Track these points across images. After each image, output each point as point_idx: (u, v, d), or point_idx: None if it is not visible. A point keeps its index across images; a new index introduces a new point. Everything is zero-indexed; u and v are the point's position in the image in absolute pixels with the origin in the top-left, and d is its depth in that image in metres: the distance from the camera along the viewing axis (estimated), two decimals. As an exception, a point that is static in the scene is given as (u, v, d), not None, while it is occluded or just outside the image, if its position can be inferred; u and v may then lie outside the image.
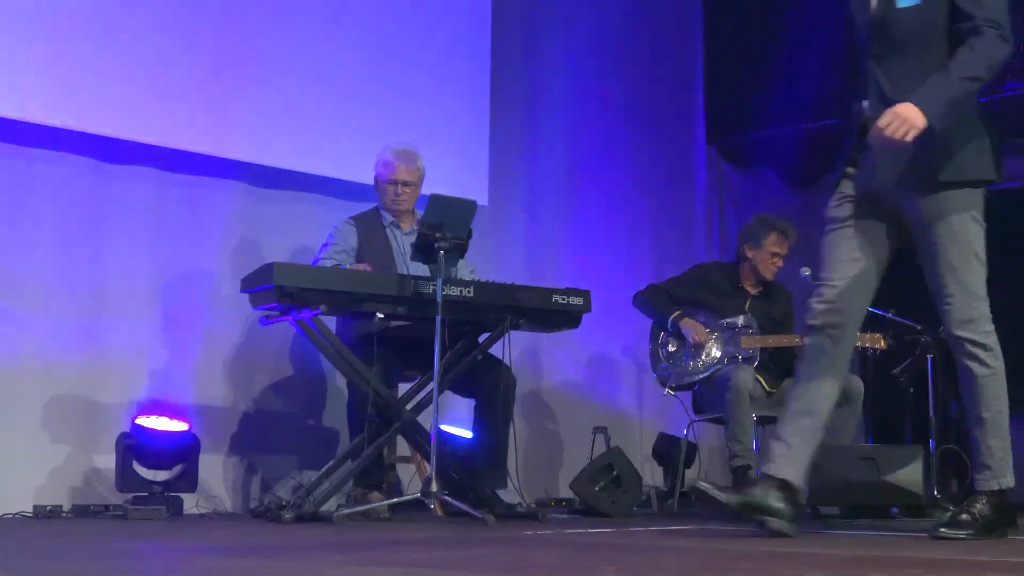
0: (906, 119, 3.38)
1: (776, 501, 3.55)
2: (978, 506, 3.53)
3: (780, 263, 5.75)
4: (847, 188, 3.66)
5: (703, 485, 3.56)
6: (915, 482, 5.06)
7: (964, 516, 3.51)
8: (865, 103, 3.57)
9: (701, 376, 5.62)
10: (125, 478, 4.62)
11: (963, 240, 3.59)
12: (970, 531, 3.47)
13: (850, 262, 3.67)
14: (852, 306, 3.68)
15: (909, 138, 3.38)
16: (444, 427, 5.24)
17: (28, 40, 4.79)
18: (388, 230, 5.17)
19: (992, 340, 3.63)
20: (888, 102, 3.45)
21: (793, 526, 3.56)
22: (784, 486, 3.57)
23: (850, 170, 3.66)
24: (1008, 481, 3.57)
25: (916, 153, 3.44)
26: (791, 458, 3.59)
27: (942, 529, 3.49)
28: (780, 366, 5.67)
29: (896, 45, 3.53)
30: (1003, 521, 3.56)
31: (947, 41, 3.50)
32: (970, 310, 3.61)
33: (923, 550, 3.19)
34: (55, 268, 4.93)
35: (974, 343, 3.60)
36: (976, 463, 3.62)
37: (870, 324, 6.00)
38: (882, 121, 3.39)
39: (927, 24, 3.51)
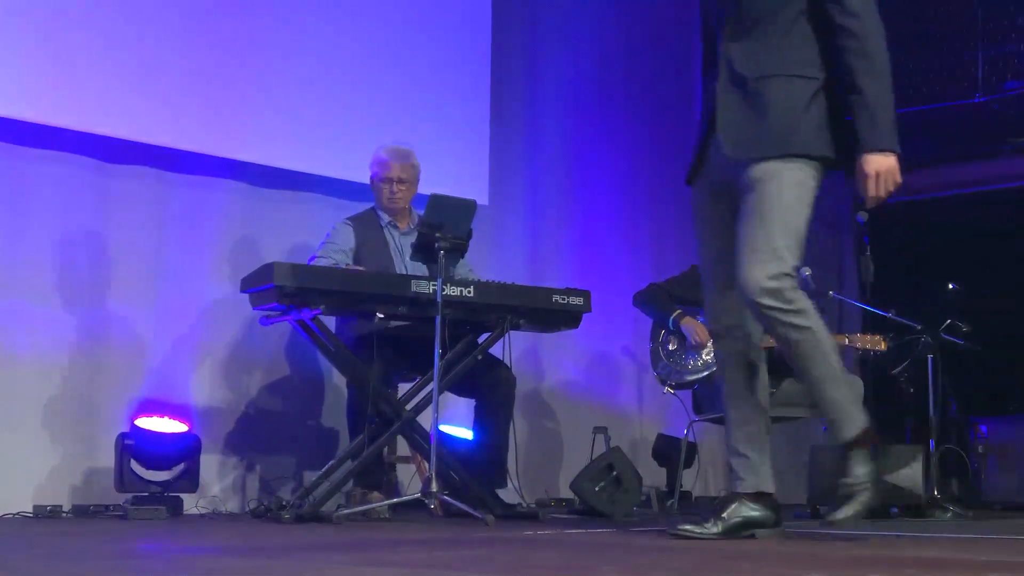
0: (883, 171, 3.44)
1: (755, 512, 3.45)
2: (856, 460, 3.36)
3: None
4: (702, 180, 3.56)
5: (684, 530, 3.40)
6: (915, 482, 5.06)
7: (857, 477, 3.35)
8: (717, 83, 3.44)
9: (701, 375, 5.61)
10: (124, 478, 4.62)
11: (785, 207, 3.34)
12: (716, 531, 3.37)
13: (719, 263, 3.54)
14: (739, 302, 3.46)
15: (899, 179, 3.46)
16: (444, 429, 5.25)
17: (29, 40, 4.79)
18: (386, 230, 5.17)
19: (799, 304, 3.34)
20: (739, 81, 3.37)
21: (779, 529, 3.49)
22: (758, 496, 3.48)
23: (706, 155, 3.53)
24: (860, 421, 3.38)
25: (760, 127, 3.35)
26: (754, 468, 3.49)
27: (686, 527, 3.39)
28: (780, 367, 5.66)
29: (750, 23, 3.40)
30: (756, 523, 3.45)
31: (806, 20, 3.39)
32: (775, 281, 3.30)
33: (923, 550, 3.19)
34: (55, 267, 4.93)
35: (782, 311, 3.31)
36: (826, 424, 3.51)
37: (870, 325, 6.02)
38: (870, 190, 3.42)
39: (783, 2, 3.39)
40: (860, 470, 3.33)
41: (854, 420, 3.36)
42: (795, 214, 3.35)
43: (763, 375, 3.57)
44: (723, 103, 3.42)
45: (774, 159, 3.34)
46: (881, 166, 3.41)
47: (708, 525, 3.39)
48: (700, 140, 3.54)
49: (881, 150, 3.42)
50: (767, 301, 3.27)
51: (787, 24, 3.38)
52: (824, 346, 3.35)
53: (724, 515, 3.41)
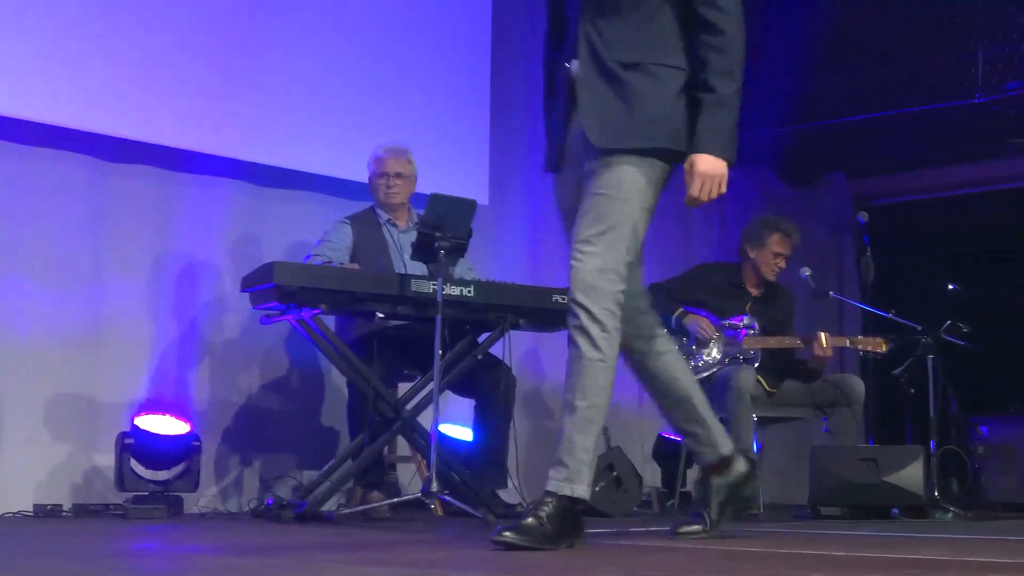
0: (713, 175, 3.20)
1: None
2: (547, 510, 3.05)
3: (782, 264, 5.74)
4: (568, 173, 3.36)
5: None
6: (916, 483, 5.06)
7: (530, 520, 3.01)
8: (574, 63, 3.25)
9: (701, 376, 5.61)
10: (124, 478, 4.62)
11: (628, 203, 3.20)
12: (534, 538, 2.99)
13: None
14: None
15: (724, 189, 3.24)
16: (444, 430, 5.25)
17: (31, 39, 4.79)
18: (384, 228, 5.17)
19: (613, 323, 3.18)
20: (600, 61, 3.18)
21: (581, 537, 3.15)
22: (574, 503, 3.12)
23: (567, 140, 3.33)
24: (583, 491, 3.12)
25: (630, 117, 3.16)
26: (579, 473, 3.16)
27: (506, 533, 2.98)
28: (781, 366, 5.67)
29: (613, 3, 3.20)
30: (571, 528, 3.10)
31: (671, 8, 3.22)
32: (602, 277, 3.14)
33: (923, 550, 3.19)
34: (56, 266, 4.93)
35: (591, 316, 3.15)
36: (555, 457, 3.20)
37: (871, 325, 6.02)
38: (693, 190, 3.21)
39: None
40: (550, 514, 3.06)
41: (582, 485, 3.15)
42: (641, 220, 3.30)
43: (666, 350, 3.52)
44: (586, 87, 3.22)
45: (636, 153, 3.18)
46: (711, 169, 3.19)
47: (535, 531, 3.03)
48: (560, 124, 3.35)
49: (715, 154, 3.20)
50: (583, 299, 3.13)
51: (651, 9, 3.20)
52: (605, 382, 3.30)
53: (543, 516, 3.04)
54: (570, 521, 3.10)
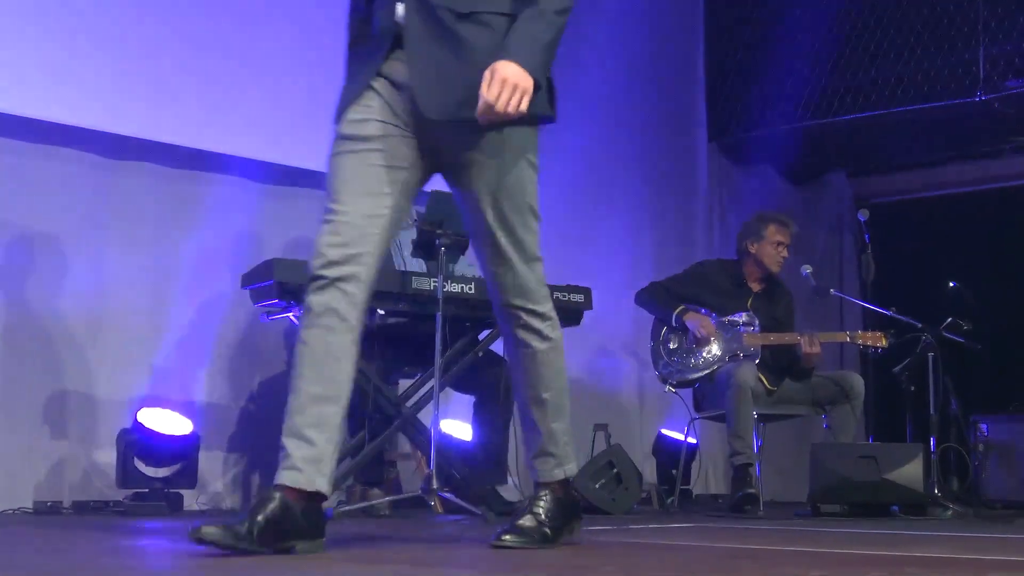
0: (515, 86, 2.76)
1: (300, 520, 2.70)
2: (543, 504, 2.95)
3: (785, 253, 5.73)
4: (374, 103, 2.93)
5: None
6: (916, 480, 5.06)
7: (528, 521, 2.91)
8: (400, 7, 2.84)
9: (702, 373, 5.61)
10: (126, 474, 4.62)
11: (519, 191, 2.94)
12: (534, 539, 2.89)
13: (372, 196, 2.94)
14: (371, 253, 2.88)
15: (524, 108, 2.81)
16: (444, 427, 5.25)
17: (32, 38, 4.79)
18: (384, 226, 5.17)
19: (549, 308, 3.04)
20: (429, 8, 2.80)
21: (318, 542, 2.74)
22: (309, 497, 2.73)
23: (378, 84, 2.93)
24: (573, 468, 3.03)
25: (469, 83, 2.78)
26: (317, 461, 2.75)
27: (505, 537, 2.87)
28: (781, 364, 5.67)
29: None
30: (569, 515, 3.02)
31: None
32: (527, 275, 2.96)
33: (923, 549, 3.19)
34: (57, 263, 4.93)
35: (532, 312, 2.99)
36: (535, 450, 3.01)
37: (871, 323, 6.01)
38: (490, 94, 2.73)
39: None
40: (549, 510, 2.96)
41: (571, 464, 3.04)
42: (534, 197, 3.01)
43: (354, 362, 2.85)
44: (416, 44, 2.83)
45: (497, 128, 2.86)
46: (513, 77, 2.75)
47: (239, 528, 2.62)
48: (381, 57, 2.92)
49: (522, 64, 2.78)
50: (518, 302, 2.96)
51: None
52: (561, 364, 3.05)
53: (259, 518, 2.64)
54: (567, 510, 3.00)
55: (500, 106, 2.74)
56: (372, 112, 2.94)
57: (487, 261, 2.96)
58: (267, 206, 5.56)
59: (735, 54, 7.58)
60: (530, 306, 2.97)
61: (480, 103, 2.74)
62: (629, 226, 7.10)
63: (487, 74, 2.74)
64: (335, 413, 2.82)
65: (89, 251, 5.03)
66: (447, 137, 2.88)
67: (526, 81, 2.80)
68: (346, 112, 2.99)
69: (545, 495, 2.96)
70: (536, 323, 2.99)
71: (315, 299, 2.82)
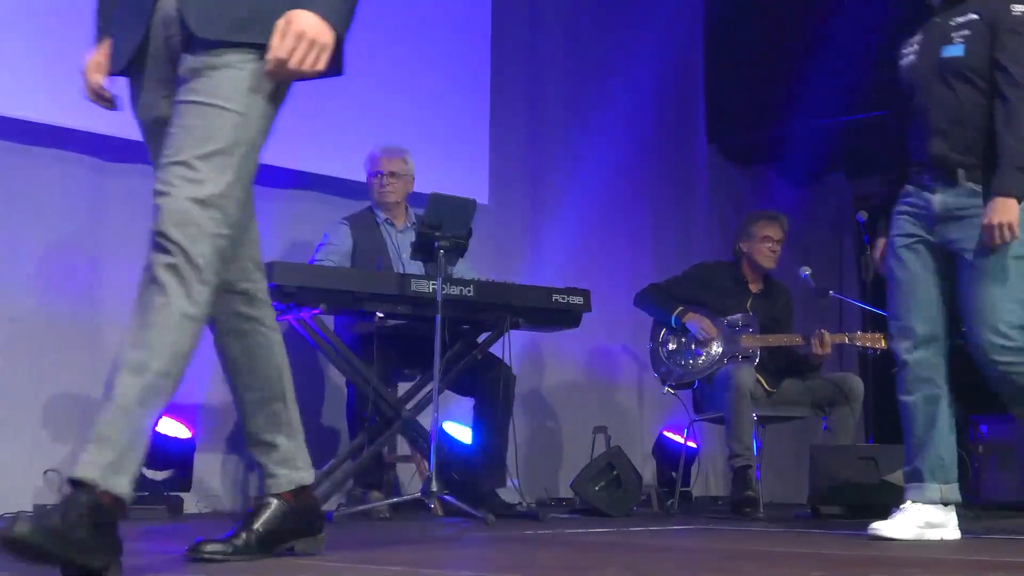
0: (313, 41, 2.42)
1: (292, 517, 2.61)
2: (77, 508, 2.30)
3: (776, 248, 5.72)
4: (149, 67, 2.68)
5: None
6: (915, 482, 5.05)
7: (53, 520, 2.24)
8: None
9: (701, 374, 5.61)
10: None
11: (244, 118, 2.48)
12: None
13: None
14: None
15: (321, 67, 2.49)
16: (446, 428, 5.25)
17: (29, 39, 4.78)
18: (382, 228, 5.18)
19: (211, 274, 2.44)
20: None
21: (318, 538, 2.70)
22: (298, 493, 2.68)
23: (148, 37, 2.62)
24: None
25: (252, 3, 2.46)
26: (287, 460, 2.72)
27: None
28: (780, 365, 5.67)
29: None
30: (105, 545, 2.29)
31: None
32: (204, 213, 2.37)
33: (923, 550, 3.19)
34: (55, 266, 4.93)
35: (188, 258, 2.41)
36: (97, 430, 2.47)
37: (871, 324, 6.01)
38: (282, 49, 2.40)
39: None
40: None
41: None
42: (259, 136, 2.57)
43: (271, 343, 2.70)
44: None
45: (254, 48, 2.45)
46: (316, 32, 2.41)
47: (237, 541, 2.56)
48: (145, 7, 2.58)
49: (322, 16, 2.43)
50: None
51: None
52: (194, 329, 2.50)
53: (257, 526, 2.59)
54: (106, 530, 2.28)
55: (294, 63, 2.41)
56: (153, 86, 2.70)
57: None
58: (266, 208, 5.54)
59: (735, 54, 7.58)
60: (188, 248, 2.40)
61: (270, 57, 2.40)
62: (628, 228, 7.10)
63: (280, 23, 2.39)
64: (282, 408, 2.73)
65: (88, 254, 5.02)
66: (198, 62, 2.46)
67: (325, 36, 2.44)
68: (131, 79, 2.75)
69: (83, 500, 2.32)
70: (189, 273, 2.45)
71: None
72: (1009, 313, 3.50)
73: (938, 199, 3.57)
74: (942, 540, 3.48)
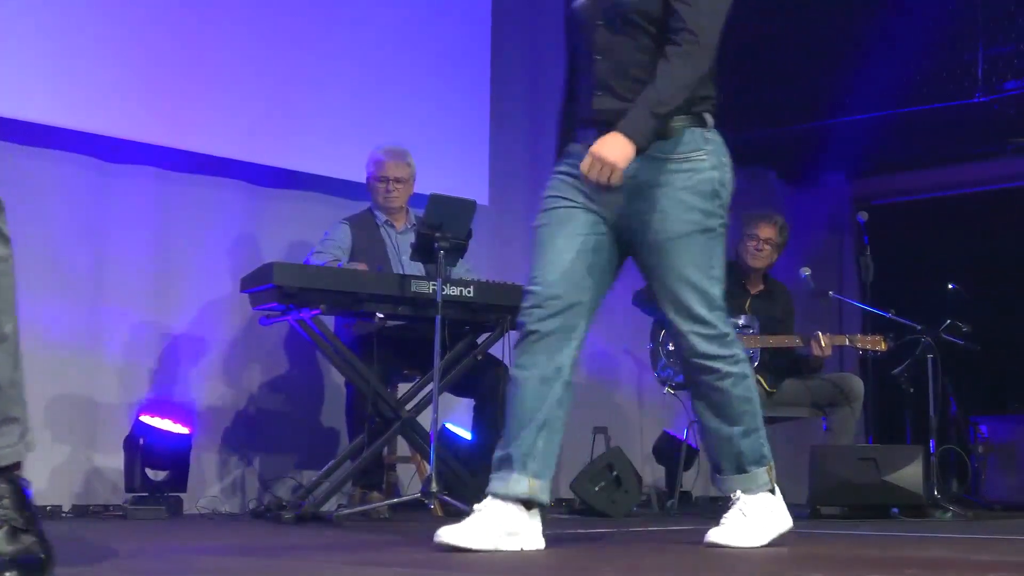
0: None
1: None
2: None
3: (763, 247, 5.69)
4: None
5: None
6: (915, 482, 5.06)
7: None
8: None
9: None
10: (133, 478, 4.61)
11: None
12: None
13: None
14: None
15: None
16: (449, 428, 5.26)
17: (30, 40, 4.79)
18: (382, 229, 5.18)
19: None
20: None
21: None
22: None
23: None
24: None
25: None
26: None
27: None
28: (781, 366, 5.68)
29: None
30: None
31: None
32: None
33: (923, 550, 3.19)
34: (55, 267, 4.93)
35: None
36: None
37: (871, 325, 6.02)
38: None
39: None
40: None
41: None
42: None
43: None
44: None
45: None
46: (613, 154, 3.00)
47: None
48: None
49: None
50: None
51: None
52: None
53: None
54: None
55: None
56: None
57: None
58: (266, 209, 5.56)
59: (732, 54, 7.57)
60: None
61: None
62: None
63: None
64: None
65: (88, 254, 5.02)
66: None
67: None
68: None
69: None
70: None
71: None
72: (702, 294, 3.09)
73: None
74: (523, 550, 2.95)
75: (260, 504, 5.01)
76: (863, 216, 5.84)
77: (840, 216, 8.21)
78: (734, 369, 3.12)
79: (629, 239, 3.14)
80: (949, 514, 5.19)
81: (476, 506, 3.00)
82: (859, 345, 5.63)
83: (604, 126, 3.03)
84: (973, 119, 6.90)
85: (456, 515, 4.45)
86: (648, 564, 2.68)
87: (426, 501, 4.21)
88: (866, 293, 5.86)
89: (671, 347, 5.71)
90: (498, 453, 3.09)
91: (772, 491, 3.19)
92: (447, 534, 2.86)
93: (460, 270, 5.05)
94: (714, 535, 3.08)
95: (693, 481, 6.30)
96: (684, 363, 3.19)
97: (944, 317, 5.72)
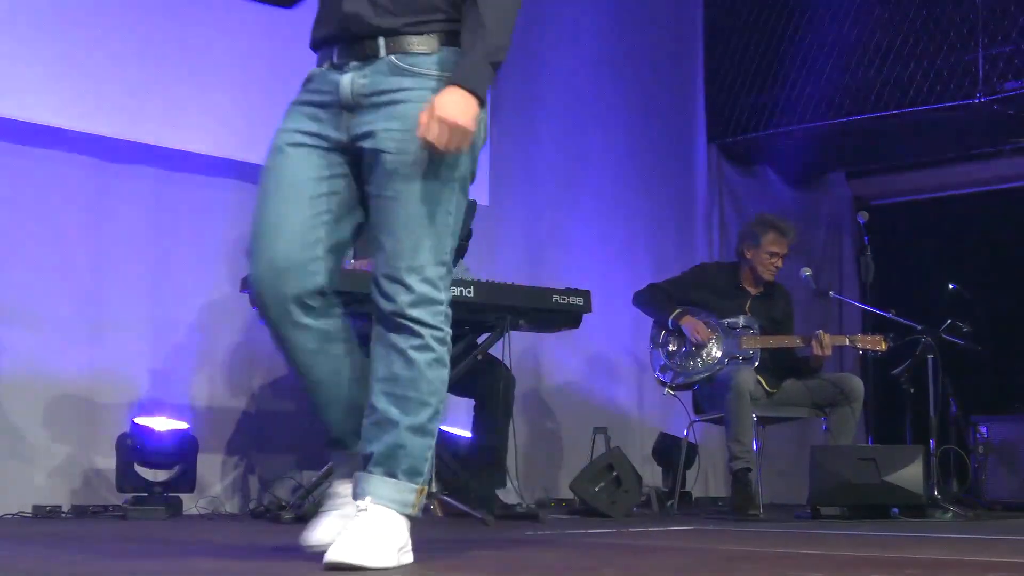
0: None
1: None
2: None
3: (779, 263, 5.71)
4: None
5: None
6: (915, 482, 5.06)
7: None
8: None
9: (701, 376, 5.61)
10: (126, 478, 4.62)
11: None
12: None
13: None
14: None
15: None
16: (444, 427, 5.25)
17: (29, 41, 4.79)
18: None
19: None
20: None
21: None
22: None
23: None
24: None
25: None
26: None
27: None
28: (781, 366, 5.68)
29: None
30: None
31: None
32: None
33: (923, 550, 3.19)
34: (55, 267, 4.93)
35: None
36: None
37: (871, 325, 6.02)
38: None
39: None
40: None
41: None
42: None
43: None
44: None
45: None
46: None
47: None
48: None
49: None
50: None
51: None
52: None
53: None
54: None
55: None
56: None
57: None
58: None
59: (735, 54, 7.58)
60: None
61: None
62: (628, 228, 7.10)
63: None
64: None
65: (88, 254, 5.03)
66: None
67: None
68: None
69: None
70: None
71: None
72: (439, 253, 2.55)
73: (347, 80, 2.58)
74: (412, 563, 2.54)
75: (260, 504, 5.00)
76: (863, 216, 5.84)
77: (840, 216, 8.21)
78: (438, 349, 2.54)
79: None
80: (949, 514, 5.19)
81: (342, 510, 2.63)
82: (859, 345, 5.63)
83: (355, 41, 2.58)
84: (973, 119, 6.90)
85: (456, 515, 4.46)
86: (648, 564, 2.68)
87: (426, 501, 4.20)
88: (866, 293, 5.86)
89: (671, 348, 5.71)
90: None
91: (410, 518, 2.53)
92: (325, 548, 2.42)
93: (460, 270, 5.05)
94: (338, 553, 2.37)
95: (693, 481, 6.29)
96: (380, 316, 2.59)
97: (944, 317, 5.72)
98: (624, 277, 6.69)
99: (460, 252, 4.45)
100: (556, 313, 4.90)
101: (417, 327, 2.52)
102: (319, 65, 2.69)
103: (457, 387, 5.00)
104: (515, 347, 5.10)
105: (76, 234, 5.00)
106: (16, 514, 4.59)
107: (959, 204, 7.97)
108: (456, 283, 4.60)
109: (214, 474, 5.24)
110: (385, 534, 2.44)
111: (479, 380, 4.96)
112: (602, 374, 6.85)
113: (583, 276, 6.29)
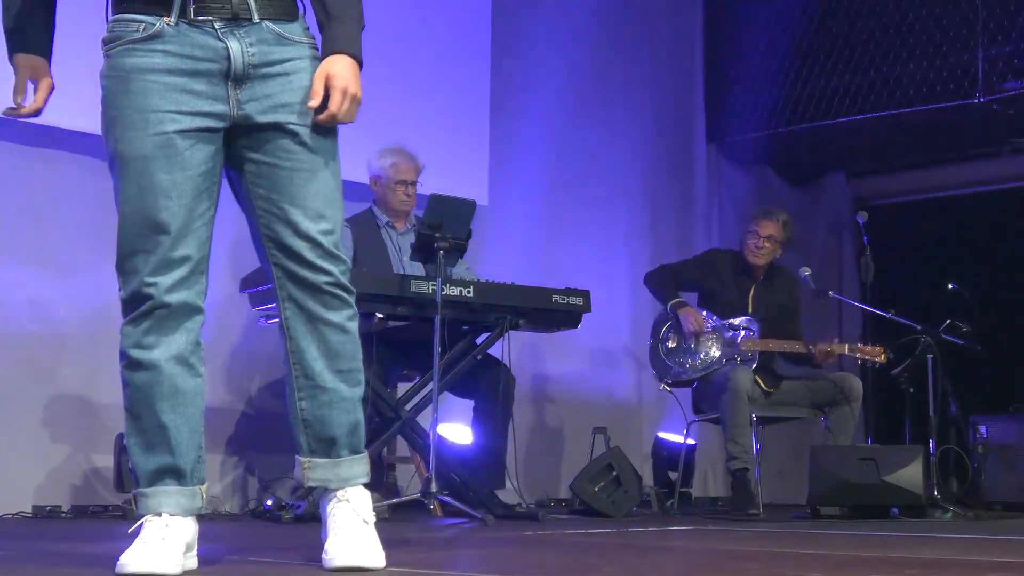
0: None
1: None
2: None
3: (764, 244, 5.68)
4: None
5: None
6: (915, 482, 5.06)
7: None
8: None
9: (699, 375, 5.61)
10: (123, 478, 4.61)
11: None
12: None
13: None
14: None
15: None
16: (442, 434, 5.25)
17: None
18: (383, 230, 5.17)
19: None
20: None
21: None
22: None
23: None
24: None
25: None
26: None
27: None
28: (780, 366, 5.68)
29: None
30: None
31: None
32: None
33: (923, 550, 3.19)
34: (55, 267, 4.93)
35: None
36: None
37: (871, 325, 6.01)
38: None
39: None
40: None
41: None
42: None
43: None
44: None
45: None
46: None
47: None
48: None
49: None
50: None
51: None
52: None
53: None
54: None
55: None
56: None
57: None
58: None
59: (735, 54, 7.58)
60: None
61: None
62: (628, 228, 7.10)
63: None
64: None
65: (87, 254, 5.02)
66: None
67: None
68: None
69: None
70: None
71: None
72: (334, 211, 2.58)
73: (238, 49, 2.50)
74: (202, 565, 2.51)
75: (260, 505, 5.00)
76: (863, 216, 5.84)
77: (840, 216, 8.20)
78: (353, 318, 2.60)
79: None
80: (949, 514, 5.19)
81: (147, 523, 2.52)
82: (859, 355, 5.65)
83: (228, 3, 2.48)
84: (973, 119, 6.91)
85: (456, 515, 4.46)
86: (648, 564, 2.68)
87: (426, 501, 4.20)
88: (866, 293, 5.86)
89: (670, 344, 5.71)
90: (163, 462, 2.62)
91: (367, 486, 2.61)
92: (134, 564, 2.43)
93: (460, 270, 5.05)
94: (345, 557, 2.45)
95: (692, 482, 6.30)
96: (311, 290, 2.57)
97: (944, 317, 5.72)
98: (623, 277, 6.69)
99: (460, 252, 4.45)
100: (556, 313, 4.90)
101: (348, 296, 2.55)
102: (146, 15, 2.48)
103: (457, 387, 5.01)
104: (515, 347, 5.10)
105: (76, 234, 5.00)
106: (16, 514, 4.58)
107: (959, 204, 7.96)
108: (456, 283, 4.60)
109: (214, 474, 5.23)
110: (371, 519, 2.52)
111: (479, 380, 4.95)
112: (602, 374, 6.85)
113: (582, 276, 6.29)
